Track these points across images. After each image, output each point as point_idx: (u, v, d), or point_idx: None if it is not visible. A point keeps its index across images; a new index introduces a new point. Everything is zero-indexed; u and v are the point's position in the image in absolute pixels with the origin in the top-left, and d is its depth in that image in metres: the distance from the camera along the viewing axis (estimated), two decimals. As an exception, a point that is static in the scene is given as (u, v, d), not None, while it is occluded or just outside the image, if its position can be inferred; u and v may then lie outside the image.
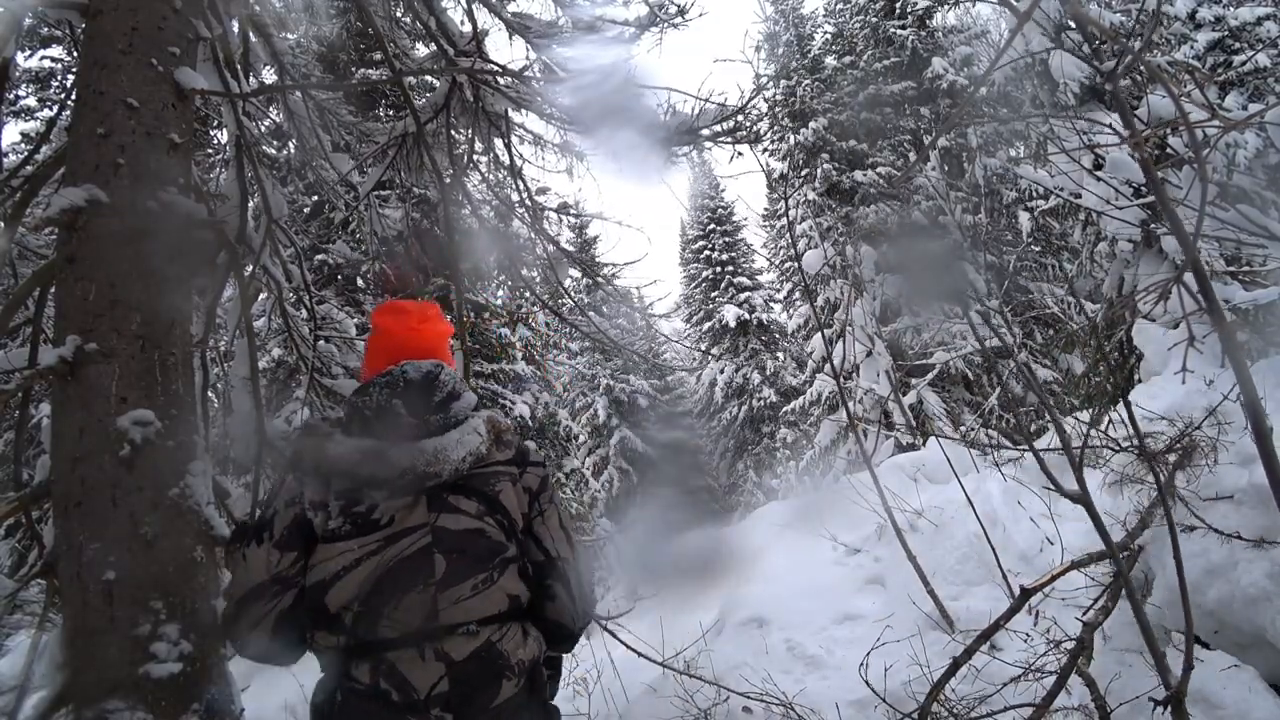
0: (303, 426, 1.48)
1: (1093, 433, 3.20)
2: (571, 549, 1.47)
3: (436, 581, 1.29)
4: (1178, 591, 2.55)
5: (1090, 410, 4.72)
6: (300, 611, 1.32)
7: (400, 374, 1.42)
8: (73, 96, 2.00)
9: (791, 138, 12.99)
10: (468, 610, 1.29)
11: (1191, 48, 9.80)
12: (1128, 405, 1.70)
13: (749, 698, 3.15)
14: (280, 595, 1.31)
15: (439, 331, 1.56)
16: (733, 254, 20.47)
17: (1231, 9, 10.02)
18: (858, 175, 12.18)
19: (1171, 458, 2.81)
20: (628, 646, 2.91)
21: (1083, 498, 1.46)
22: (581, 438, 17.48)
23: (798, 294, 16.15)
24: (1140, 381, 4.85)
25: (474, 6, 3.26)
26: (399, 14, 3.64)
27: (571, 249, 4.42)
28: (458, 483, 1.37)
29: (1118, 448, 3.02)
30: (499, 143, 3.43)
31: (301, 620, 1.32)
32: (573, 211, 6.38)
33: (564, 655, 1.57)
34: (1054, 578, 2.73)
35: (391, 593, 1.27)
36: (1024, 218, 9.71)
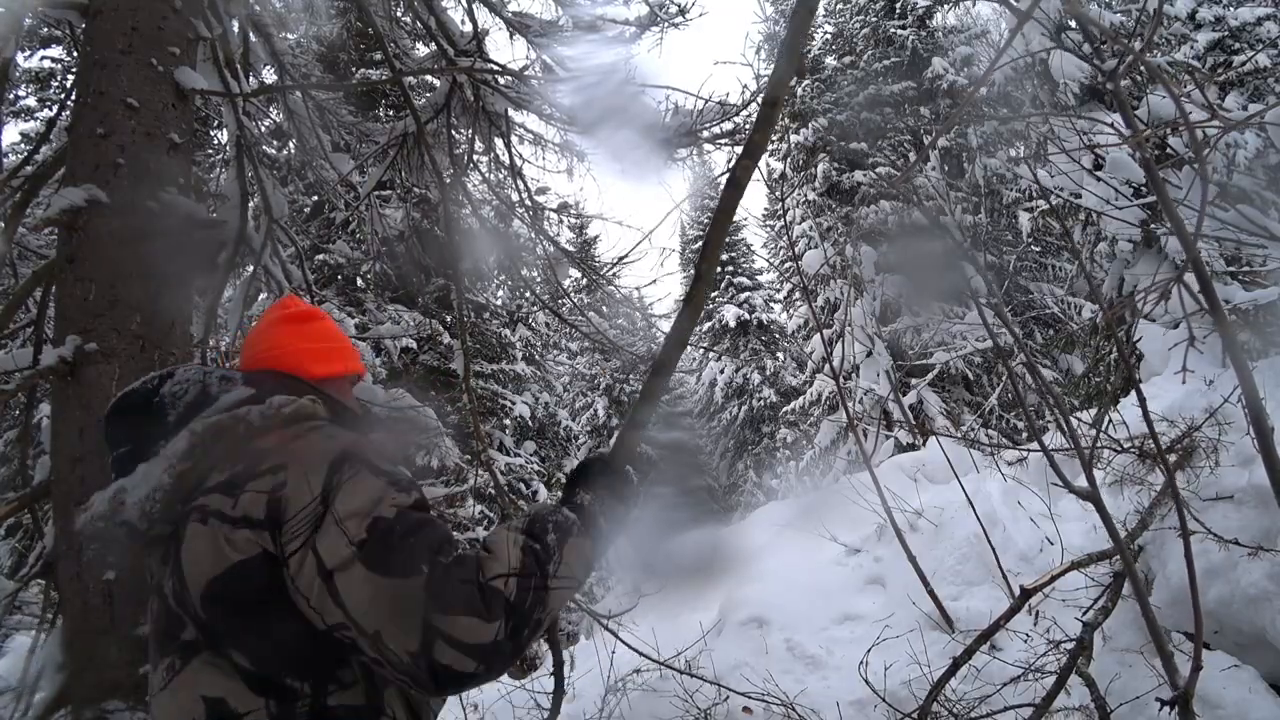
0: None
1: (1093, 433, 3.19)
2: (369, 588, 0.82)
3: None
4: (1178, 591, 2.55)
5: (1093, 410, 4.71)
6: None
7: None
8: (73, 96, 2.00)
9: (791, 138, 12.97)
10: (164, 712, 0.89)
11: (1191, 48, 9.78)
12: (1142, 401, 1.70)
13: (749, 697, 3.15)
14: None
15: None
16: (732, 254, 20.44)
17: (1231, 9, 10.00)
18: (858, 175, 12.16)
19: (1172, 458, 2.80)
20: (628, 646, 2.91)
21: (1093, 494, 1.46)
22: (581, 438, 17.47)
23: (798, 294, 16.14)
24: (1140, 382, 4.85)
25: (474, 6, 3.26)
26: (399, 14, 3.64)
27: (571, 249, 4.41)
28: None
29: (1120, 448, 3.01)
30: (499, 142, 3.43)
31: None
32: (573, 211, 6.37)
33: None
34: (1054, 578, 2.72)
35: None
36: (1024, 218, 9.70)
